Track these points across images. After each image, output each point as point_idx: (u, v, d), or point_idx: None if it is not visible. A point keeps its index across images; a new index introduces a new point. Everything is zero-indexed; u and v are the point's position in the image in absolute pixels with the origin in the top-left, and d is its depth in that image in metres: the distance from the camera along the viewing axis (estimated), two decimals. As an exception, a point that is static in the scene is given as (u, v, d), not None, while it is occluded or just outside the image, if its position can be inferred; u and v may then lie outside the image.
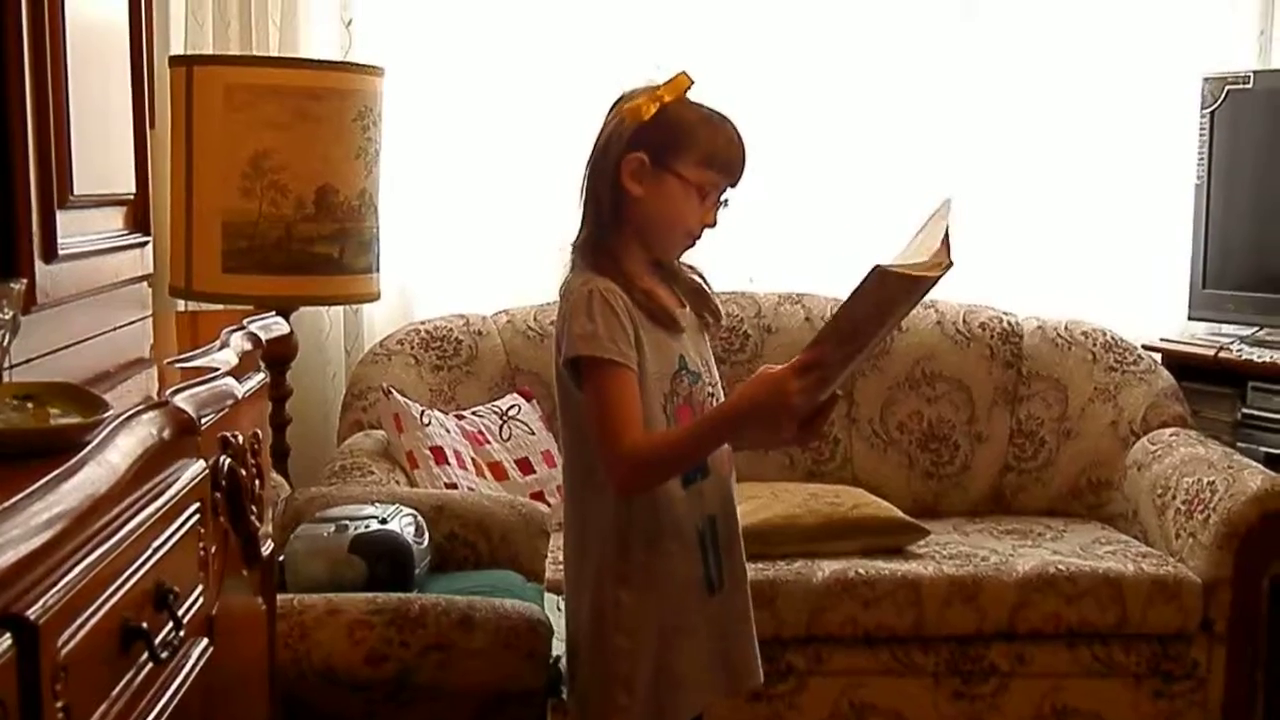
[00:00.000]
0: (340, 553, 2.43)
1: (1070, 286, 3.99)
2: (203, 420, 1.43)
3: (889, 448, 3.73)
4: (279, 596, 2.06)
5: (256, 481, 1.70)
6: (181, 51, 3.62)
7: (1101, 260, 4.03)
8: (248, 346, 1.81)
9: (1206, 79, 3.82)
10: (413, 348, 3.62)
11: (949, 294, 3.69)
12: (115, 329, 1.77)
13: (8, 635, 0.95)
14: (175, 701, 1.31)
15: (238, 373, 1.67)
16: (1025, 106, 3.98)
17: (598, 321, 1.99)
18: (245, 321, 1.92)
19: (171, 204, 3.33)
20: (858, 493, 3.46)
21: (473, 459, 3.35)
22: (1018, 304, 3.89)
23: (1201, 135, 3.82)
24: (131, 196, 1.84)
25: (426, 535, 2.57)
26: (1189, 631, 3.18)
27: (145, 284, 1.94)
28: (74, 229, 1.57)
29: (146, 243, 1.89)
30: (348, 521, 2.48)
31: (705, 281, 2.20)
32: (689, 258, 2.18)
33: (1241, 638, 3.18)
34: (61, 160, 1.52)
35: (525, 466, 3.42)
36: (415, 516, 2.57)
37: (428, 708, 2.19)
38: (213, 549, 1.48)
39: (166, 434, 1.31)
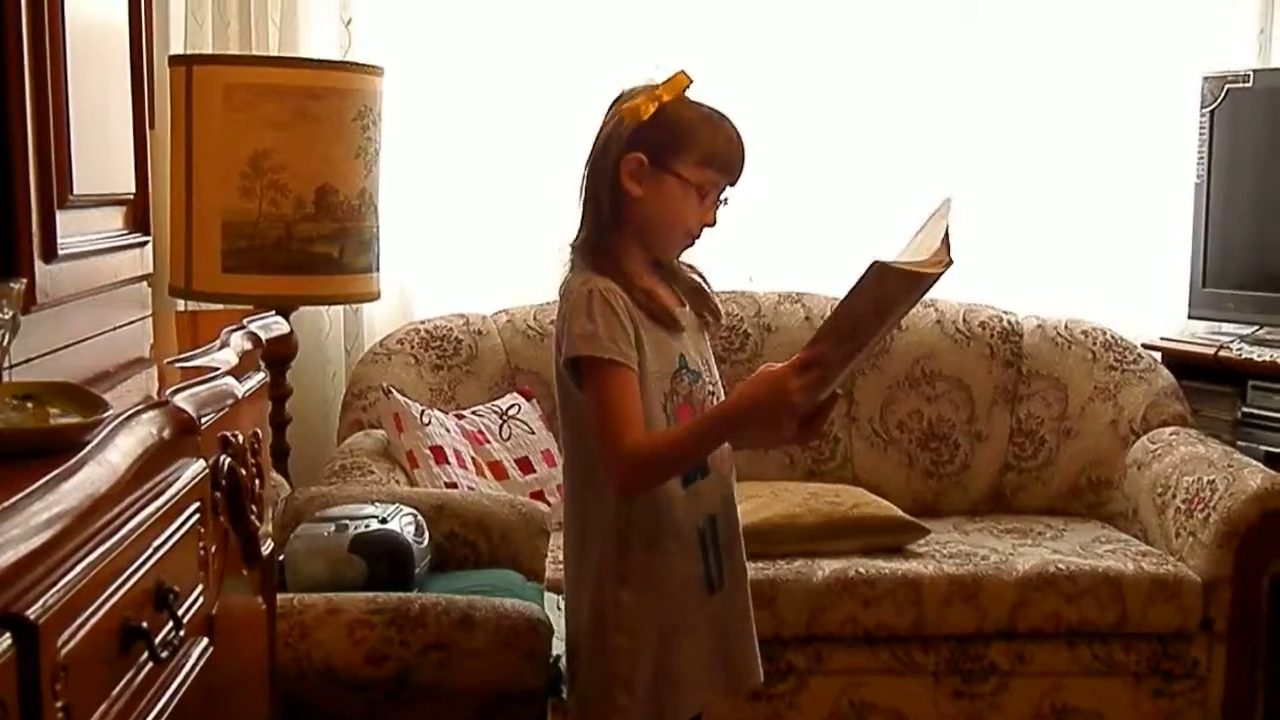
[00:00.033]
0: (340, 552, 2.43)
1: (1070, 285, 3.99)
2: (203, 420, 1.43)
3: (889, 447, 3.73)
4: (279, 596, 2.06)
5: (256, 481, 1.70)
6: (181, 51, 3.62)
7: (1101, 259, 4.03)
8: (248, 346, 1.81)
9: (1206, 78, 3.82)
10: (413, 347, 3.62)
11: (949, 293, 3.69)
12: (115, 329, 1.77)
13: (7, 635, 0.95)
14: (175, 701, 1.31)
15: (238, 372, 1.67)
16: (1025, 105, 3.98)
17: (598, 321, 1.99)
18: (245, 321, 1.92)
19: (171, 204, 3.33)
20: (858, 492, 3.46)
21: (473, 458, 3.35)
22: (1017, 303, 3.89)
23: (1201, 134, 3.82)
24: (131, 196, 1.84)
25: (426, 535, 2.57)
26: (1189, 630, 3.18)
27: (145, 284, 1.95)
28: (74, 229, 1.57)
29: (146, 242, 1.89)
30: (348, 521, 2.48)
31: (705, 280, 2.20)
32: (688, 257, 2.18)
33: (1241, 637, 3.18)
34: (61, 160, 1.52)
35: (525, 466, 3.42)
36: (415, 516, 2.57)
37: (428, 707, 2.20)
38: (213, 548, 1.48)
39: (166, 434, 1.31)
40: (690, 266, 2.20)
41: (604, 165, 2.06)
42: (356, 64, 3.63)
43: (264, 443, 1.80)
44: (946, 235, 1.93)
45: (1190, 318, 3.94)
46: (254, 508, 1.68)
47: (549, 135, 3.74)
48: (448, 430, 3.35)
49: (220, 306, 3.34)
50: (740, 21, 3.90)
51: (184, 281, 3.35)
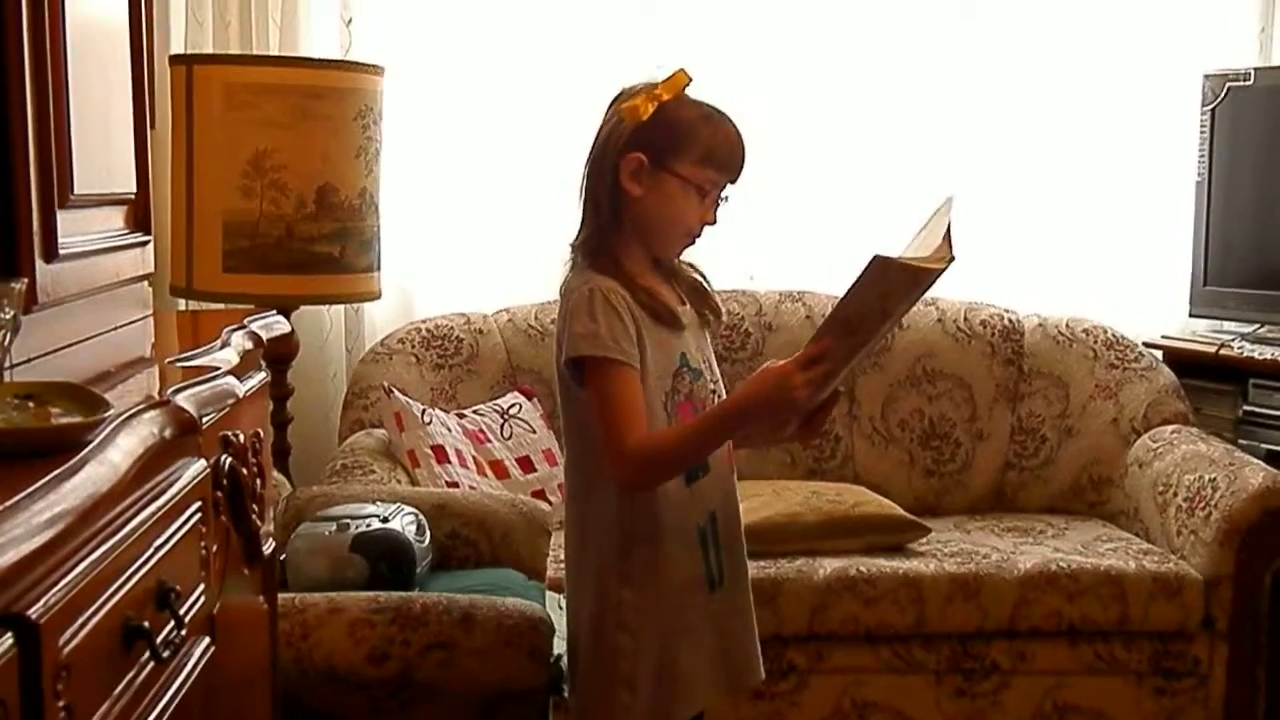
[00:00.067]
0: (341, 551, 2.43)
1: (1071, 284, 3.99)
2: (204, 419, 1.43)
3: (890, 445, 3.73)
4: (280, 595, 2.06)
5: (258, 480, 1.70)
6: (181, 51, 3.62)
7: (1102, 257, 4.03)
8: (249, 345, 1.81)
9: (1207, 76, 3.82)
10: (414, 346, 3.62)
11: (950, 291, 3.69)
12: (116, 328, 1.77)
13: (9, 635, 0.95)
14: (177, 701, 1.31)
15: (239, 372, 1.67)
16: (1026, 104, 3.98)
17: (599, 321, 1.99)
18: (246, 320, 1.92)
19: (172, 203, 3.33)
20: (859, 490, 3.46)
21: (474, 457, 3.35)
22: (1019, 301, 3.89)
23: (1202, 132, 3.82)
24: (132, 196, 1.84)
25: (428, 534, 2.57)
26: (1190, 629, 3.18)
27: (146, 283, 1.95)
28: (74, 228, 1.57)
29: (147, 242, 1.89)
30: (349, 520, 2.48)
31: (705, 279, 2.20)
32: (689, 255, 2.18)
33: (1243, 635, 3.18)
34: (62, 160, 1.52)
35: (526, 465, 3.42)
36: (416, 515, 2.57)
37: (429, 706, 2.20)
38: (214, 548, 1.48)
39: (168, 433, 1.31)
40: (690, 265, 2.20)
41: (604, 165, 2.05)
42: (357, 63, 3.63)
43: (265, 442, 1.80)
44: (949, 232, 1.93)
45: (1191, 316, 3.94)
46: (255, 507, 1.68)
47: (549, 134, 3.74)
48: (449, 429, 3.35)
49: (221, 306, 3.35)
50: (741, 20, 3.90)
51: (185, 281, 3.36)
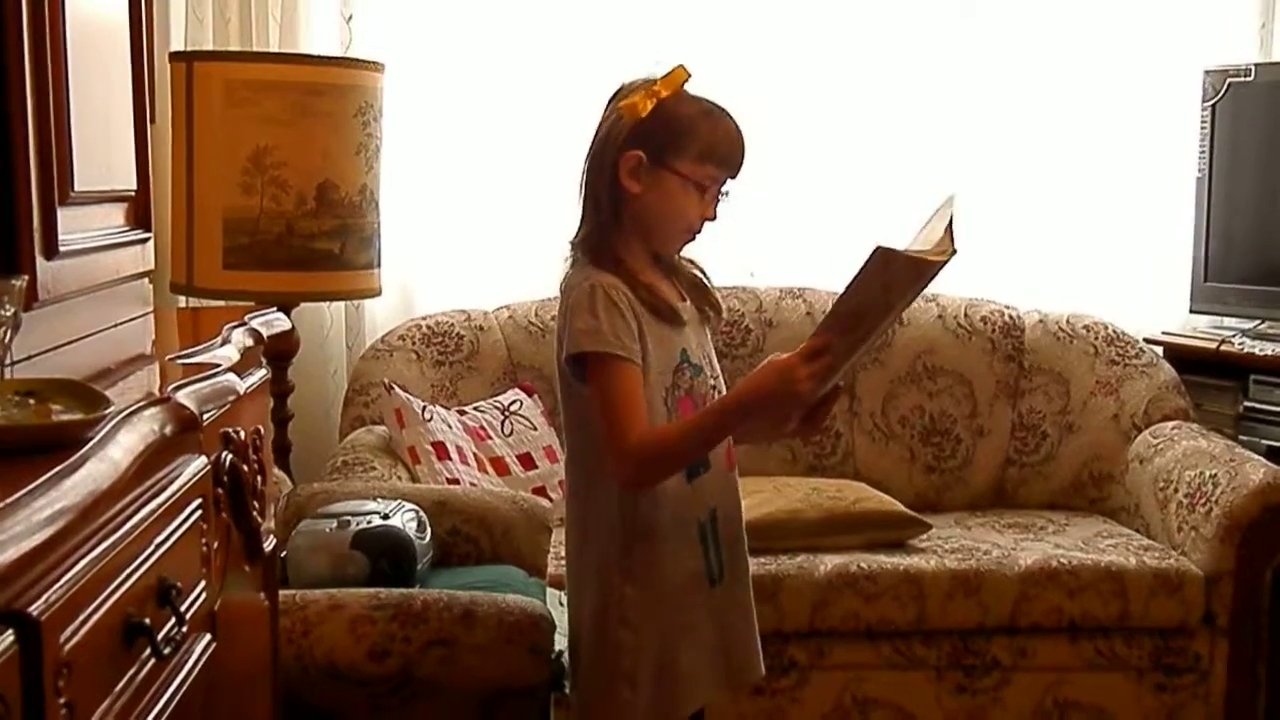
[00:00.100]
0: (342, 548, 2.43)
1: (1072, 280, 3.99)
2: (205, 416, 1.44)
3: (890, 442, 3.73)
4: (281, 592, 2.06)
5: (258, 477, 1.70)
6: (182, 48, 3.62)
7: (1103, 254, 4.02)
8: (249, 342, 1.81)
9: (1208, 72, 3.81)
10: (414, 343, 3.62)
11: (950, 288, 3.69)
12: (116, 325, 1.77)
13: (10, 632, 0.95)
14: (178, 698, 1.31)
15: (239, 369, 1.67)
16: (1026, 100, 3.98)
17: (601, 317, 1.99)
18: (247, 317, 1.92)
19: (172, 200, 3.33)
20: (860, 487, 3.46)
21: (474, 454, 3.35)
22: (1019, 297, 3.89)
23: (1203, 128, 3.82)
24: (132, 193, 1.84)
25: (428, 531, 2.57)
26: (1191, 625, 3.18)
27: (146, 280, 1.95)
28: (75, 225, 1.57)
29: (147, 239, 1.89)
30: (350, 517, 2.48)
31: (705, 275, 2.20)
32: (690, 251, 2.18)
33: (1244, 631, 3.18)
34: (62, 157, 1.52)
35: (527, 461, 3.42)
36: (417, 512, 2.57)
37: (430, 703, 2.20)
38: (215, 545, 1.48)
39: (168, 430, 1.31)
40: (690, 261, 2.20)
41: (603, 163, 2.05)
42: (357, 60, 3.63)
43: (266, 439, 1.81)
44: (950, 225, 1.93)
45: (1192, 312, 3.94)
46: (256, 504, 1.68)
47: (550, 131, 3.74)
48: (449, 426, 3.35)
49: (221, 303, 3.34)
50: (741, 17, 3.90)
51: (185, 278, 3.36)
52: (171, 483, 1.33)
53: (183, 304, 3.48)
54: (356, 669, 2.17)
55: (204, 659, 1.41)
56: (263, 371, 1.89)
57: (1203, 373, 3.77)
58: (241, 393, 1.61)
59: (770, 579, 3.05)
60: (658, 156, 2.03)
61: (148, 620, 1.20)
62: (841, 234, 3.85)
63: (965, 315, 3.80)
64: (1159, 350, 3.83)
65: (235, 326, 1.83)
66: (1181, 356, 3.80)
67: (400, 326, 3.68)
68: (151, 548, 1.24)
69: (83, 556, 1.09)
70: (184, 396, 1.39)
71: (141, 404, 1.30)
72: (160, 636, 1.22)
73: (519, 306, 3.75)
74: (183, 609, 1.29)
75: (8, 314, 1.30)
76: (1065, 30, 3.97)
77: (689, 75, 2.06)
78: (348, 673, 2.17)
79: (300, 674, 2.14)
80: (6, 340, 1.31)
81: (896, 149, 3.96)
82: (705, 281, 2.19)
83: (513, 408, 3.50)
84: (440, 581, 2.48)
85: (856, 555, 3.18)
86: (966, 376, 3.76)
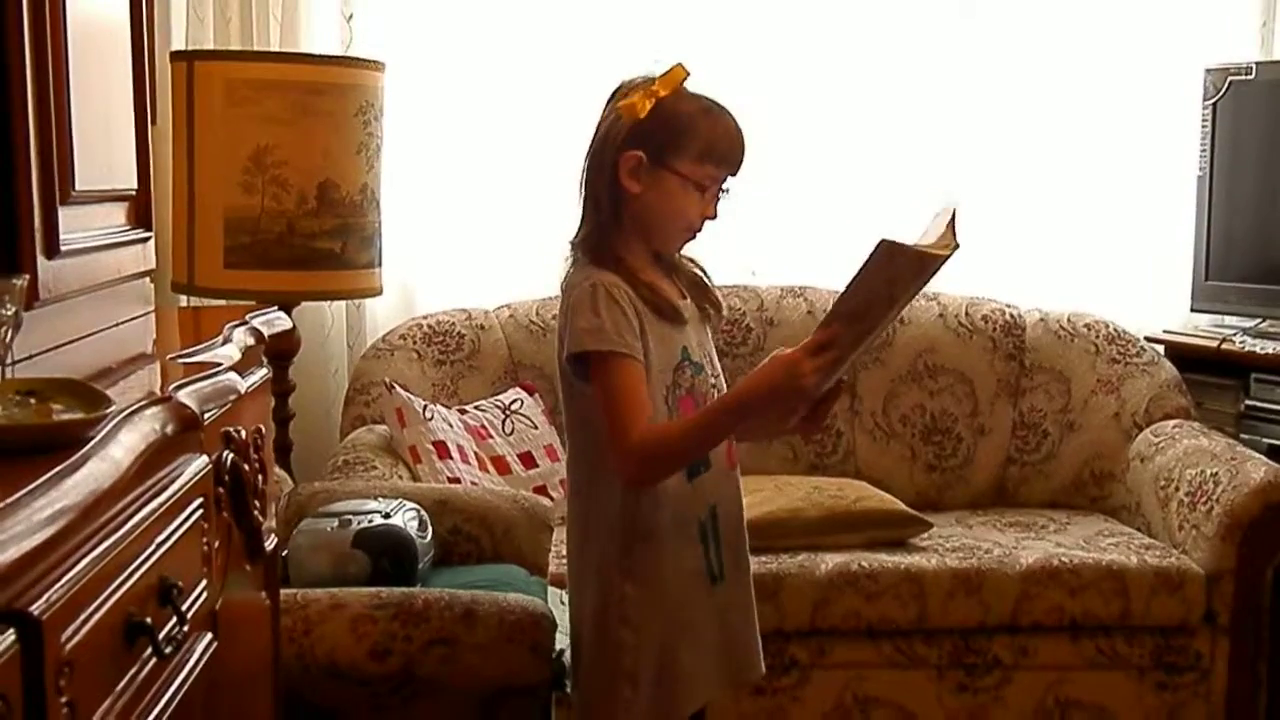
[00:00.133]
0: (343, 547, 2.43)
1: (1073, 279, 3.99)
2: (206, 415, 1.44)
3: (892, 441, 3.73)
4: (282, 591, 2.06)
5: (259, 476, 1.70)
6: (182, 47, 3.62)
7: (1104, 252, 4.02)
8: (250, 342, 1.81)
9: (1209, 70, 3.81)
10: (415, 342, 3.62)
11: (951, 286, 3.69)
12: (118, 324, 1.77)
13: (11, 631, 0.95)
14: (179, 697, 1.31)
15: (240, 368, 1.67)
16: (1027, 99, 3.98)
17: (603, 315, 1.99)
18: (248, 317, 1.92)
19: (173, 199, 3.33)
20: (861, 486, 3.46)
21: (475, 453, 3.35)
22: (1020, 296, 3.89)
23: (1204, 127, 3.82)
24: (133, 192, 1.84)
25: (430, 530, 2.57)
26: (1192, 623, 3.18)
27: (147, 279, 1.95)
28: (76, 225, 1.57)
29: (148, 238, 1.89)
30: (351, 516, 2.48)
31: (705, 273, 2.20)
32: (690, 250, 2.18)
33: (1245, 629, 3.18)
34: (63, 156, 1.52)
35: (528, 460, 3.42)
36: (418, 511, 2.57)
37: (431, 702, 2.20)
38: (216, 544, 1.48)
39: (169, 429, 1.31)
40: (690, 259, 2.20)
41: (602, 163, 2.05)
42: (358, 59, 3.63)
43: (267, 438, 1.81)
44: (953, 220, 1.94)
45: (1193, 311, 3.93)
46: (257, 503, 1.68)
47: (550, 130, 3.74)
48: (450, 425, 3.35)
49: (223, 302, 3.34)
50: (742, 16, 3.89)
51: (186, 277, 3.36)
52: (172, 482, 1.33)
53: (184, 303, 3.48)
54: (358, 668, 2.17)
55: (205, 658, 1.41)
56: (264, 371, 1.89)
57: (1204, 371, 3.76)
58: (243, 392, 1.61)
59: (771, 578, 3.05)
60: (657, 156, 2.03)
61: (149, 619, 1.20)
62: (842, 233, 3.85)
63: (966, 314, 3.80)
64: (1160, 349, 3.83)
65: (236, 326, 1.83)
66: (1182, 355, 3.80)
67: (401, 326, 3.68)
68: (153, 547, 1.24)
69: (84, 556, 1.09)
70: (185, 396, 1.40)
71: (143, 403, 1.30)
72: (161, 636, 1.22)
73: (520, 305, 3.75)
74: (184, 608, 1.29)
75: (9, 313, 1.30)
76: (1065, 29, 3.96)
77: (687, 74, 2.05)
78: (349, 672, 2.17)
79: (301, 673, 2.14)
80: (7, 340, 1.31)
81: (897, 148, 3.96)
82: (705, 280, 2.19)
83: (514, 407, 3.51)
84: (441, 580, 2.48)
85: (857, 554, 3.18)
86: (967, 375, 3.76)
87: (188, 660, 1.36)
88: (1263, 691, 3.22)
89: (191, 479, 1.38)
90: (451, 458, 3.26)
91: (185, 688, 1.33)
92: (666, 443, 2.02)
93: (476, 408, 3.49)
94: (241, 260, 3.30)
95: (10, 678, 0.95)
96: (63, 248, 1.51)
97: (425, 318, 3.70)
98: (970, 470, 3.75)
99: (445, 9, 3.83)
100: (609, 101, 2.09)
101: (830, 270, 3.62)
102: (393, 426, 3.33)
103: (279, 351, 3.16)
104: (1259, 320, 3.74)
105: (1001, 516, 3.59)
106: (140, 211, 1.86)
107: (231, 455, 1.56)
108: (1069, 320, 3.83)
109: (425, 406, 3.33)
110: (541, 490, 3.31)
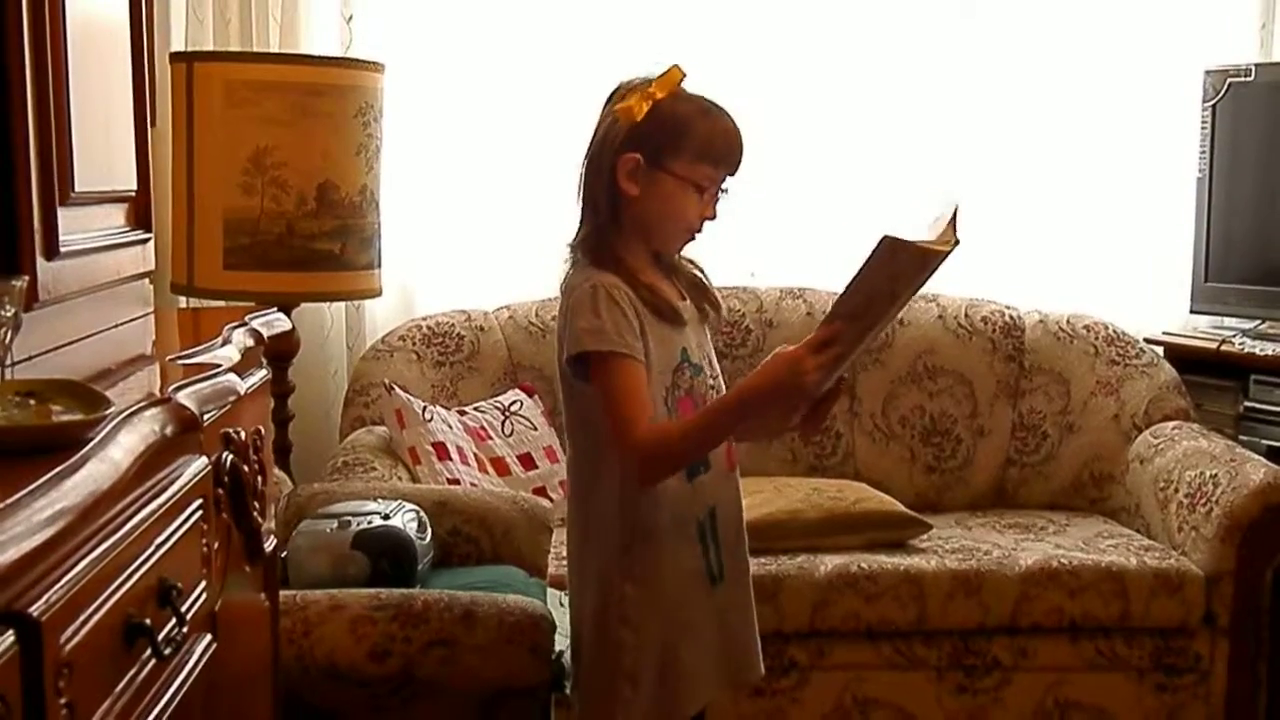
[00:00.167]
0: (343, 548, 2.43)
1: (1072, 280, 3.99)
2: (205, 417, 1.44)
3: (891, 442, 3.73)
4: (282, 592, 2.06)
5: (259, 478, 1.70)
6: (182, 48, 3.62)
7: (1103, 254, 4.02)
8: (250, 343, 1.81)
9: (1208, 72, 3.81)
10: (414, 343, 3.62)
11: (951, 288, 3.69)
12: (117, 326, 1.77)
13: (10, 632, 0.95)
14: (178, 698, 1.31)
15: (240, 369, 1.67)
16: (1026, 101, 3.98)
17: (603, 316, 1.99)
18: (247, 318, 1.92)
19: (173, 201, 3.33)
20: (860, 487, 3.46)
21: (475, 454, 3.35)
22: (1020, 298, 3.89)
23: (1203, 128, 3.82)
24: (133, 193, 1.84)
25: (429, 531, 2.57)
26: (1192, 625, 3.18)
27: (147, 281, 1.95)
28: (75, 226, 1.57)
29: (148, 239, 1.89)
30: (350, 517, 2.48)
31: (704, 274, 2.20)
32: (689, 251, 2.18)
33: (1244, 631, 3.18)
34: (63, 157, 1.52)
35: (528, 462, 3.42)
36: (418, 512, 2.57)
37: (431, 703, 2.20)
38: (215, 545, 1.48)
39: (169, 430, 1.31)
40: (690, 260, 2.20)
41: (600, 166, 2.05)
42: (357, 60, 3.63)
43: (266, 439, 1.81)
44: (955, 217, 1.94)
45: (1192, 312, 3.94)
46: (256, 504, 1.68)
47: (550, 131, 3.74)
48: (450, 426, 3.35)
49: (222, 303, 3.34)
50: (741, 16, 3.90)
51: (186, 278, 3.36)
52: (172, 483, 1.33)
53: (183, 304, 3.48)
54: (357, 669, 2.17)
55: (204, 659, 1.41)
56: (263, 372, 1.89)
57: (1203, 373, 3.77)
58: (242, 393, 1.61)
59: (770, 579, 3.05)
60: (655, 159, 2.03)
61: (148, 621, 1.20)
62: (841, 234, 3.85)
63: (966, 315, 3.80)
64: (1159, 350, 3.83)
65: (236, 327, 1.83)
66: (1182, 356, 3.80)
67: (400, 327, 3.68)
68: (152, 548, 1.24)
69: (83, 557, 1.09)
70: (184, 397, 1.39)
71: (142, 404, 1.30)
72: (161, 637, 1.22)
73: (519, 307, 3.75)
74: (183, 609, 1.29)
75: (8, 314, 1.30)
76: (1065, 30, 3.96)
77: (684, 75, 2.05)
78: (348, 673, 2.17)
79: (301, 674, 2.14)
80: (7, 341, 1.31)
81: (897, 149, 3.96)
82: (705, 281, 2.19)
83: (513, 408, 3.51)
84: (441, 582, 2.48)
85: (857, 555, 3.18)
86: (967, 377, 3.76)
87: (187, 661, 1.36)
88: (1262, 693, 3.22)
89: (191, 480, 1.38)
90: (451, 459, 3.26)
91: (184, 689, 1.33)
92: (668, 442, 2.02)
93: (476, 409, 3.49)
94: (241, 261, 3.30)
95: (9, 679, 0.95)
96: (62, 249, 1.51)
97: (425, 319, 3.70)
98: (970, 472, 3.75)
99: (445, 10, 3.84)
100: (606, 104, 2.09)
101: (829, 271, 3.62)
102: (392, 428, 3.33)
103: (278, 353, 3.16)
104: (1258, 322, 3.74)
105: (1001, 518, 3.59)
106: (140, 213, 1.86)
107: (231, 456, 1.56)
108: (1068, 322, 3.83)
109: (424, 408, 3.33)
110: (541, 491, 3.31)
